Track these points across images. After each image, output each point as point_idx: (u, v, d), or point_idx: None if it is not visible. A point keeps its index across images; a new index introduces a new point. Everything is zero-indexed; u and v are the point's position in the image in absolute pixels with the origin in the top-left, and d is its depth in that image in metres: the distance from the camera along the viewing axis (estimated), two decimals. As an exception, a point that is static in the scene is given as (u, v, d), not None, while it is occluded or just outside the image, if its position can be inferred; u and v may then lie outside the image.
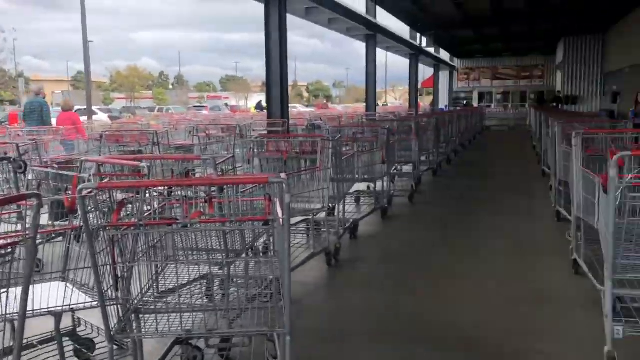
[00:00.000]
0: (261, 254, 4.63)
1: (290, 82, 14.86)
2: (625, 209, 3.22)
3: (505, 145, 20.49)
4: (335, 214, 6.14)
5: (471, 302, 4.53)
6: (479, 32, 29.94)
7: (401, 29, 27.17)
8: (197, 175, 5.49)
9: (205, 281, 3.67)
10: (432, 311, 4.36)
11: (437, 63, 37.79)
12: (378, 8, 21.84)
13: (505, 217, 7.66)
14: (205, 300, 3.44)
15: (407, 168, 11.07)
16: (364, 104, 24.22)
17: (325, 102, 78.49)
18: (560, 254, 5.66)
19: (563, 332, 3.87)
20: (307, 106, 65.22)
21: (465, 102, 40.79)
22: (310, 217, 5.73)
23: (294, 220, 6.22)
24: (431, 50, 33.47)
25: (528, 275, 5.18)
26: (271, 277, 3.41)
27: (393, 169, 9.32)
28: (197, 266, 3.49)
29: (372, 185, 8.00)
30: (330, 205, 6.00)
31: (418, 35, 29.76)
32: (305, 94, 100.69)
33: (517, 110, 37.80)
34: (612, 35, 28.94)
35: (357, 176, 6.92)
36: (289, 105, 13.70)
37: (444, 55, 40.18)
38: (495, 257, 5.82)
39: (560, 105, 28.56)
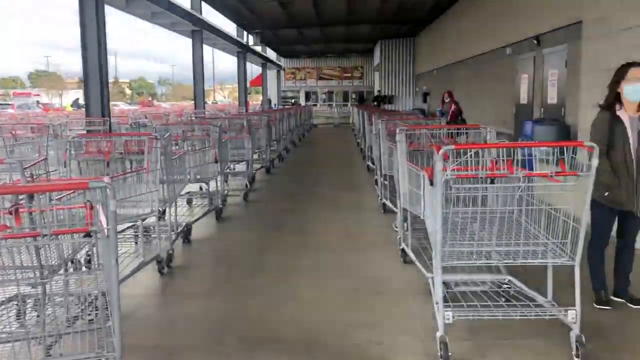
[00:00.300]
0: (83, 267, 4.17)
1: (110, 79, 13.86)
2: (449, 199, 3.41)
3: (333, 142, 21.34)
4: (166, 217, 5.80)
5: (310, 299, 4.53)
6: (303, 33, 30.86)
7: (228, 26, 26.98)
8: (1, 182, 4.78)
9: (14, 304, 3.18)
10: (272, 312, 4.27)
11: (265, 62, 38.20)
12: (204, 4, 21.38)
13: (336, 212, 7.89)
14: (15, 327, 2.97)
15: (240, 167, 10.95)
16: (192, 102, 23.59)
17: (150, 99, 75.31)
18: (389, 245, 5.95)
19: (399, 321, 4.01)
20: (130, 104, 62.11)
21: (293, 100, 41.86)
22: (139, 223, 5.33)
23: (120, 227, 5.74)
24: (258, 48, 33.70)
25: (361, 267, 5.34)
26: (96, 292, 3.05)
27: (226, 167, 9.12)
28: (2, 288, 2.99)
29: (205, 185, 7.73)
30: (160, 208, 5.64)
31: (245, 33, 29.77)
32: (128, 91, 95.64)
33: (341, 109, 39.73)
34: (421, 40, 31.68)
35: (188, 177, 6.61)
36: (110, 102, 12.78)
37: (271, 54, 40.76)
38: (329, 251, 5.93)
39: (380, 104, 30.57)
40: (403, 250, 5.31)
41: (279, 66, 44.34)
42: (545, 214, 3.36)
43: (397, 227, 6.24)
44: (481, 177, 3.18)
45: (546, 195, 3.42)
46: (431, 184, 3.37)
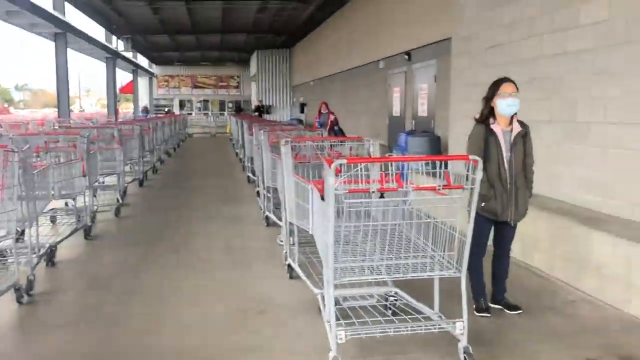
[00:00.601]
0: None
1: (-43, 82, 12.40)
2: (340, 214, 3.33)
3: (210, 153, 20.82)
4: (26, 239, 5.18)
5: (191, 322, 4.22)
6: (177, 40, 29.98)
7: (96, 30, 25.47)
8: None
9: None
10: (150, 339, 3.91)
11: (136, 69, 36.59)
12: (68, 5, 19.94)
13: (217, 226, 7.58)
14: None
15: (110, 179, 10.22)
16: (56, 110, 21.89)
17: (6, 106, 69.07)
18: (274, 260, 5.78)
19: (288, 343, 3.84)
20: (-18, 111, 56.58)
21: (167, 109, 40.48)
22: (-8, 247, 4.70)
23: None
24: (129, 55, 32.18)
25: (246, 285, 5.11)
26: None
27: (95, 181, 8.43)
28: None
29: (71, 201, 7.06)
30: (18, 229, 5.03)
31: (114, 38, 28.26)
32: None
33: (218, 118, 39.11)
34: (297, 51, 32.10)
35: (52, 192, 5.99)
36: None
37: (143, 61, 39.16)
38: (210, 268, 5.63)
39: (262, 114, 30.31)
40: (289, 265, 5.16)
41: (151, 73, 42.74)
42: (432, 226, 3.38)
43: (282, 241, 6.09)
44: (373, 192, 3.12)
45: (430, 207, 3.44)
46: (322, 198, 3.26)
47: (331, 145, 6.10)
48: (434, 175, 3.30)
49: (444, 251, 3.38)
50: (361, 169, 3.19)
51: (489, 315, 4.27)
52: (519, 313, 4.32)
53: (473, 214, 3.33)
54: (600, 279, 4.64)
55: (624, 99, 5.18)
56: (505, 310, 4.37)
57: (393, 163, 3.34)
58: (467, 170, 3.28)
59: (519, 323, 4.19)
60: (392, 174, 3.29)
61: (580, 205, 5.62)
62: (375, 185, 3.11)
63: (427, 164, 3.38)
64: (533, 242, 5.50)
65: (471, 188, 3.23)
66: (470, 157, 3.21)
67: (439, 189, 3.15)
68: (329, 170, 2.98)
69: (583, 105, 5.73)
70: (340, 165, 3.00)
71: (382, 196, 3.27)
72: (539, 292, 4.90)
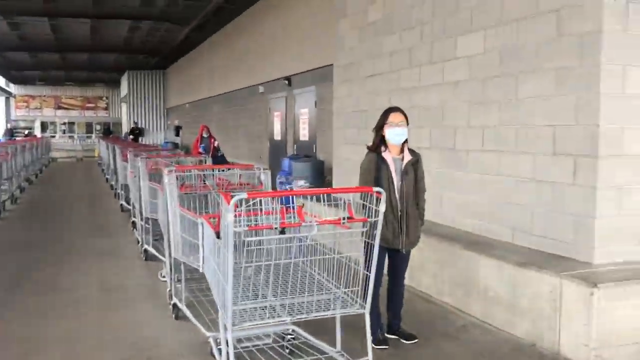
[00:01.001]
0: None
1: None
2: (239, 252, 3.07)
3: (77, 179, 19.31)
4: None
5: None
6: (39, 58, 27.84)
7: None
8: None
9: None
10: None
11: (-10, 87, 33.40)
12: None
13: (89, 262, 6.89)
14: None
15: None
16: None
17: None
18: (156, 298, 5.33)
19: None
20: None
21: (27, 132, 37.30)
22: None
23: None
24: (-19, 72, 29.30)
25: (127, 328, 4.62)
26: None
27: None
28: None
29: None
30: None
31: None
32: None
33: (85, 142, 36.86)
34: (172, 73, 31.15)
35: None
36: None
37: (-1, 79, 35.89)
38: (84, 312, 5.04)
39: (138, 137, 28.60)
40: (175, 305, 4.76)
41: (8, 93, 39.31)
42: (336, 262, 3.23)
43: (164, 277, 5.66)
44: (276, 228, 2.91)
45: (330, 241, 3.30)
46: (217, 236, 2.99)
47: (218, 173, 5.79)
48: (336, 206, 3.18)
49: (347, 287, 3.24)
50: (260, 201, 2.97)
51: (386, 347, 4.19)
52: (415, 342, 4.30)
53: (377, 248, 3.23)
54: (486, 302, 4.78)
55: (499, 128, 5.45)
56: (402, 340, 4.33)
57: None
58: (365, 201, 3.19)
59: (417, 353, 4.16)
60: (293, 207, 3.11)
61: (463, 229, 5.81)
62: (277, 220, 2.90)
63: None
64: (420, 266, 5.57)
65: (375, 220, 3.13)
66: (374, 189, 3.12)
67: (343, 223, 3.01)
68: (229, 207, 2.72)
69: (462, 133, 5.96)
70: (240, 200, 2.75)
71: (282, 231, 3.06)
72: (431, 318, 4.93)
